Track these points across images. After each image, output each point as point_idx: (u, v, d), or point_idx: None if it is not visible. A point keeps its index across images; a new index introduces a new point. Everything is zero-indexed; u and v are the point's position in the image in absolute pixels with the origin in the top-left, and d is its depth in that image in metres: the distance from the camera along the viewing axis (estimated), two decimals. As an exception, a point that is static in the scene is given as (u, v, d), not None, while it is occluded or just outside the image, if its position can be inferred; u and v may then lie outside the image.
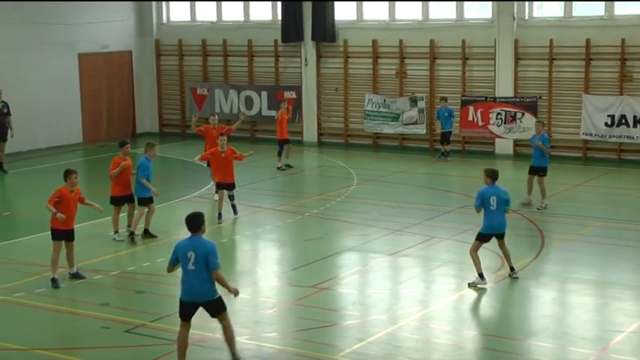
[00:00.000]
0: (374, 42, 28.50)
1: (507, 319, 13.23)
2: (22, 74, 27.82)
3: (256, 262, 16.73)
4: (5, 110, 25.12)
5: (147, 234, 17.30)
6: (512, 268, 14.65)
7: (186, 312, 10.86)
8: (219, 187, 19.11)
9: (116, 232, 17.15)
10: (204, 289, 10.70)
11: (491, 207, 14.25)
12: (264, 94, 30.13)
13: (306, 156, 28.02)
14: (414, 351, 11.72)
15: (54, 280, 14.29)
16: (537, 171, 19.83)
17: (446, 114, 26.19)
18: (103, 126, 30.80)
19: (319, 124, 29.87)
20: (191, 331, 11.06)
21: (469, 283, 14.26)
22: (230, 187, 18.98)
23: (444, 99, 26.45)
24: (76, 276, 14.67)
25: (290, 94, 29.78)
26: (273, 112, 28.15)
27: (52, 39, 28.71)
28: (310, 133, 29.84)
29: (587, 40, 25.36)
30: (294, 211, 19.89)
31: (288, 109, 25.69)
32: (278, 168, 24.75)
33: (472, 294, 14.06)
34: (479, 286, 14.15)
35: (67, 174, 14.44)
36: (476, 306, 13.78)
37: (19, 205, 22.03)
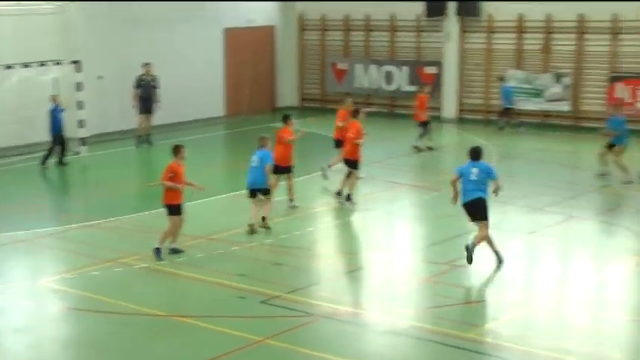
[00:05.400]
0: (520, 16, 27.87)
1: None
2: (172, 48, 28.49)
3: (391, 237, 16.72)
4: (153, 83, 25.84)
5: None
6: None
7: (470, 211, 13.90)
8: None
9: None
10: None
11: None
12: (405, 69, 30.00)
13: (445, 132, 27.68)
14: (549, 332, 11.47)
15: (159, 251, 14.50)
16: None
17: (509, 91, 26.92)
18: (245, 100, 31.37)
19: (460, 101, 29.51)
20: (323, 303, 11.10)
21: None
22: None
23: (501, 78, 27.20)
24: (174, 251, 14.75)
25: (431, 70, 29.52)
26: (413, 88, 27.92)
27: (199, 14, 29.29)
28: (449, 109, 29.50)
29: None
30: (431, 188, 19.73)
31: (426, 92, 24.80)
32: (416, 147, 23.92)
33: (615, 276, 13.64)
34: None
35: (177, 149, 14.67)
36: (617, 289, 13.37)
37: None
